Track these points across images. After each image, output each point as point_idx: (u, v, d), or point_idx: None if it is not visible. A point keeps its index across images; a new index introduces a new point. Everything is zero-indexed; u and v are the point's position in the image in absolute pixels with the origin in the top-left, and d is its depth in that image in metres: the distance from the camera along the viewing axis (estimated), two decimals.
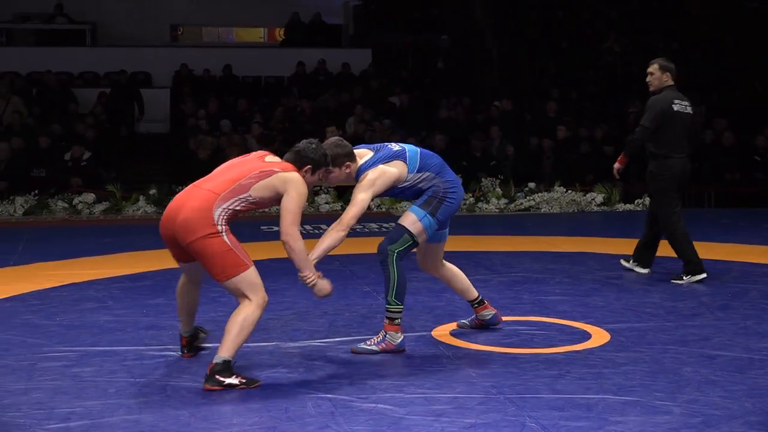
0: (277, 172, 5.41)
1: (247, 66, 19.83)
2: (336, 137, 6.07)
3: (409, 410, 4.86)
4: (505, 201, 14.15)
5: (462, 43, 21.24)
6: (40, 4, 21.02)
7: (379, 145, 6.19)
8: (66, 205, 13.81)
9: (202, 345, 6.04)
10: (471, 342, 6.23)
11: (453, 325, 6.68)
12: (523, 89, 19.13)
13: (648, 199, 14.14)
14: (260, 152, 5.71)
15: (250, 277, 5.30)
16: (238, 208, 5.36)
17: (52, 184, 14.30)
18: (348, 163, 5.89)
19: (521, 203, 14.20)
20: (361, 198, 5.85)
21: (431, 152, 6.23)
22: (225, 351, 5.24)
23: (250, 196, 5.36)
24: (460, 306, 7.33)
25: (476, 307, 6.58)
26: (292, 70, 19.58)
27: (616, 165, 8.65)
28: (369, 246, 10.03)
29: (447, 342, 6.26)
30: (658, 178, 8.39)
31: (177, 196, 5.53)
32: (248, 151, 14.99)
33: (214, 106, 17.39)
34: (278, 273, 8.72)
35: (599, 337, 6.35)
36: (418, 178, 6.04)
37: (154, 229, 9.85)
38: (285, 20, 21.79)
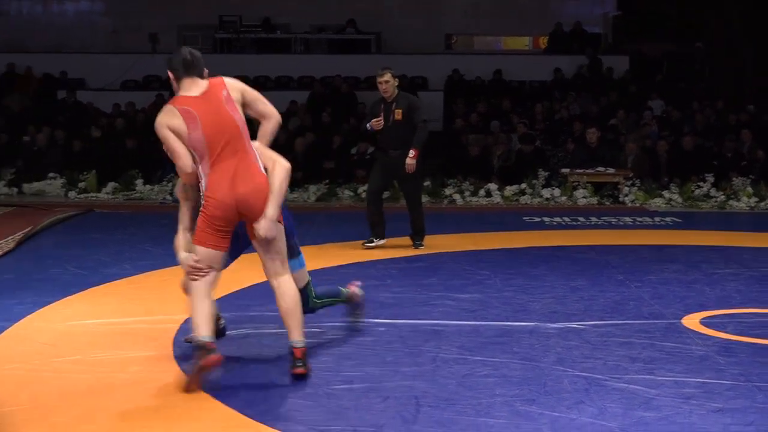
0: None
1: (513, 71, 19.83)
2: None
3: (659, 392, 4.74)
4: (756, 200, 13.51)
5: (717, 48, 20.41)
6: (333, 16, 21.71)
7: None
8: (352, 194, 14.21)
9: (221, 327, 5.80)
10: (720, 331, 5.99)
11: (702, 314, 6.45)
12: None
13: None
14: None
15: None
16: None
17: (340, 175, 14.77)
18: None
19: None
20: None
21: None
22: (302, 335, 5.09)
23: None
24: (710, 297, 7.07)
25: None
26: (554, 75, 19.45)
27: (413, 161, 9.06)
28: (624, 238, 9.85)
29: (696, 330, 6.05)
30: (419, 165, 9.17)
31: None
32: (511, 150, 15.10)
33: (483, 108, 17.48)
34: (538, 260, 8.68)
35: None
36: None
37: (437, 216, 10.00)
38: (549, 29, 21.66)
